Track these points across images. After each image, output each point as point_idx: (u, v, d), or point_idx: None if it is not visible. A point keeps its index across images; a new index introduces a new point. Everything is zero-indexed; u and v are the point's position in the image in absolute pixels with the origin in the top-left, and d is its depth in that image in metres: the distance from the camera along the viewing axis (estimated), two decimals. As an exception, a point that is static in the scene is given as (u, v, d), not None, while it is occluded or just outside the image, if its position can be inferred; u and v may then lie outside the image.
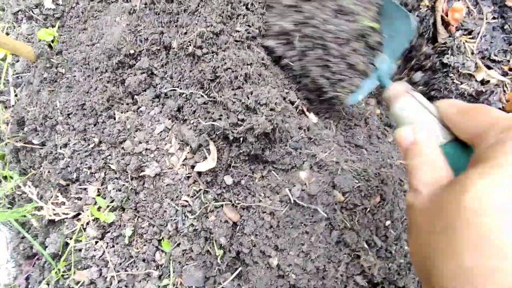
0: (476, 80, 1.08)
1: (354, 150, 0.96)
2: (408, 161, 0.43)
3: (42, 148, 1.05)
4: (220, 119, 0.81)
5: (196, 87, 0.87)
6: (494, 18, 1.14)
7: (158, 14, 0.99)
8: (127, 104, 1.00)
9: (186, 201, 0.93)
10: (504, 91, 1.08)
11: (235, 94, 0.78)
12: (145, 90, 0.98)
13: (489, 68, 1.10)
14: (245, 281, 0.91)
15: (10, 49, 0.94)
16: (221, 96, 0.80)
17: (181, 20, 0.95)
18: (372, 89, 1.00)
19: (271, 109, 0.76)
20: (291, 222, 0.89)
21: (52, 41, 1.08)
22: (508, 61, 1.10)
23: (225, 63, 0.81)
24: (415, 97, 0.53)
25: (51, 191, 1.06)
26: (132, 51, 0.99)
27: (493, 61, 1.12)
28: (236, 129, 0.78)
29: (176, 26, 0.96)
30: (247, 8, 0.94)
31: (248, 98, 0.77)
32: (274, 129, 0.78)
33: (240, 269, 0.91)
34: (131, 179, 0.98)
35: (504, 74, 1.09)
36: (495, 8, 1.15)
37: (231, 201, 0.91)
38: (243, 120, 0.77)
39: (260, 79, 0.84)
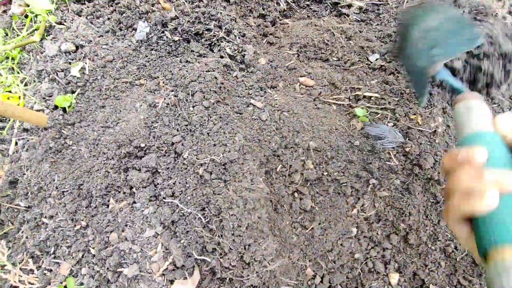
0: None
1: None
2: None
3: (27, 211, 1.04)
4: (213, 253, 0.84)
5: (197, 209, 0.90)
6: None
7: (177, 118, 1.03)
8: (124, 193, 1.01)
9: (156, 310, 0.93)
10: None
11: (233, 241, 0.82)
12: (145, 187, 1.00)
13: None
14: None
15: (24, 120, 0.94)
16: (220, 236, 0.83)
17: (198, 133, 0.99)
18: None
19: (264, 266, 0.80)
20: None
21: (68, 106, 1.09)
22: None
23: (231, 207, 0.84)
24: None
25: (23, 255, 1.04)
26: (142, 145, 1.01)
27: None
28: (227, 272, 0.81)
29: (191, 136, 1.00)
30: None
31: (245, 249, 0.80)
32: (264, 283, 0.81)
33: None
34: (107, 270, 0.98)
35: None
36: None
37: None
38: (234, 267, 0.81)
39: (262, 225, 0.88)
